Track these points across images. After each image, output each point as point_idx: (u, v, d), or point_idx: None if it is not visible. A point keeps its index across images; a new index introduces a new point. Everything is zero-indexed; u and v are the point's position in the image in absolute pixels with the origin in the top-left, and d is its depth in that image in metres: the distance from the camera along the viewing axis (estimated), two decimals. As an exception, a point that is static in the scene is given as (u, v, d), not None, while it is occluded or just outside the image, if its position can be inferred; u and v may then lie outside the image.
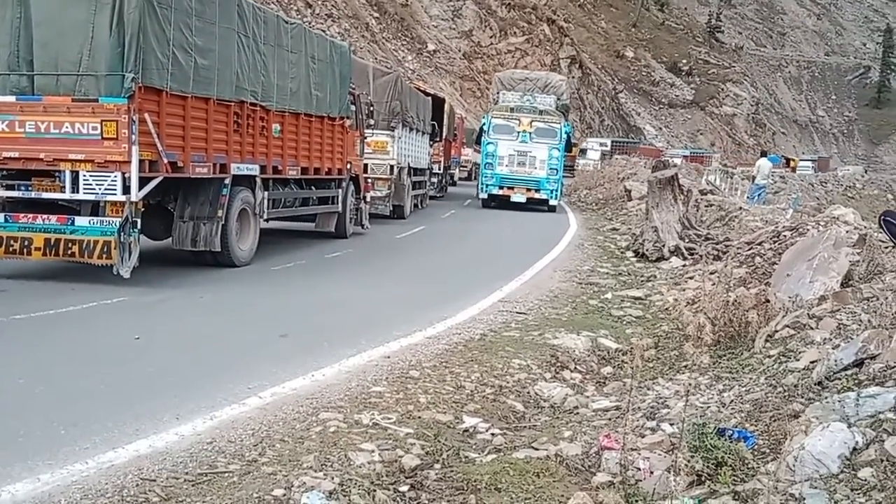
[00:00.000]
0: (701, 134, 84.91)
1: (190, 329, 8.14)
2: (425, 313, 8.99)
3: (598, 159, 49.68)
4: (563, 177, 28.88)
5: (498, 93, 28.15)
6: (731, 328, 6.94)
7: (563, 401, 6.26)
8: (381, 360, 6.96)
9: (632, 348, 7.68)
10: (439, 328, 8.36)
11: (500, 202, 26.14)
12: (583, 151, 52.00)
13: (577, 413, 5.98)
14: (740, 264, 10.28)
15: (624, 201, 25.96)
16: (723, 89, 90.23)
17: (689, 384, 4.51)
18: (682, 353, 6.97)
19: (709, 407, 5.33)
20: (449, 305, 9.53)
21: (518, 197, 25.84)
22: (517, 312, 9.40)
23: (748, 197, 25.98)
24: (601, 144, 56.59)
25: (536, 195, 25.89)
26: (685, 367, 6.64)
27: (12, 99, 9.39)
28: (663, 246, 14.14)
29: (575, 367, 7.32)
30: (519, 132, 25.85)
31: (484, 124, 26.81)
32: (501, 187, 26.02)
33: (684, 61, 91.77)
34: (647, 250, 14.38)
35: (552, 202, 26.03)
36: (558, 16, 70.99)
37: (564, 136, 26.40)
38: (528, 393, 6.44)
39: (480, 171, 27.02)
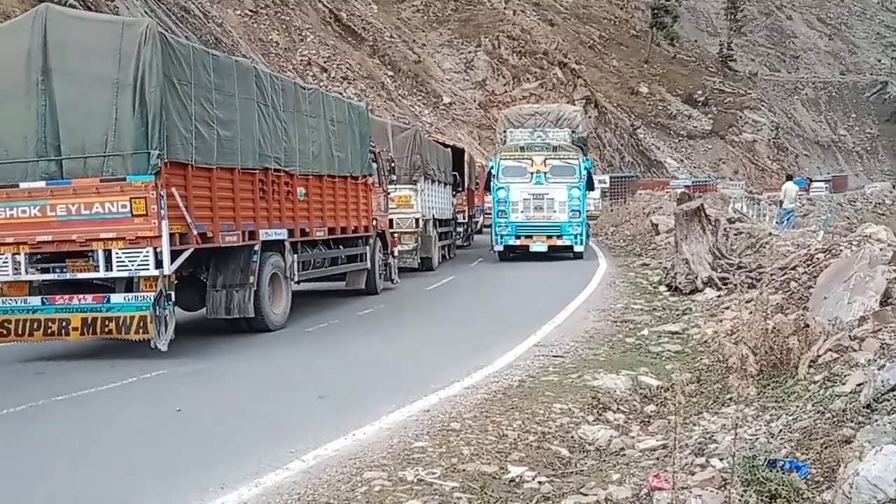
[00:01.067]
0: (723, 163, 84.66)
1: (229, 397, 8.17)
2: (462, 363, 8.96)
3: (599, 198, 48.38)
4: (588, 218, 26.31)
5: (505, 131, 25.03)
6: (773, 356, 6.84)
7: (609, 443, 6.18)
8: (421, 414, 6.93)
9: (673, 384, 7.58)
10: (477, 377, 8.31)
11: (517, 253, 23.56)
12: None
13: (624, 454, 5.90)
14: (776, 291, 10.17)
15: (652, 236, 25.83)
16: (741, 117, 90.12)
17: (736, 417, 4.44)
18: (726, 385, 6.88)
19: (757, 438, 5.24)
20: (485, 353, 9.50)
21: (538, 246, 23.16)
22: (554, 356, 9.33)
23: (777, 222, 25.77)
24: (599, 182, 55.00)
25: (559, 242, 23.16)
26: (730, 399, 6.53)
27: (42, 184, 9.61)
28: (696, 278, 14.02)
29: (617, 408, 7.23)
30: (532, 173, 22.99)
31: (492, 168, 23.85)
32: (518, 236, 23.23)
33: (699, 92, 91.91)
34: (679, 283, 14.27)
35: (578, 248, 23.19)
36: (569, 59, 71.60)
37: (584, 172, 23.32)
38: (573, 437, 6.36)
39: (493, 221, 23.88)
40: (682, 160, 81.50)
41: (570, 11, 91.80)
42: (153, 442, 6.56)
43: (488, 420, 6.62)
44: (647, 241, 25.77)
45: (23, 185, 9.64)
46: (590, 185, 24.28)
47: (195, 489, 5.25)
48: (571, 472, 5.61)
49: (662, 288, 15.08)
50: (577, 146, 24.08)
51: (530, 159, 23.08)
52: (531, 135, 23.96)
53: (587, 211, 25.35)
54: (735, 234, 18.68)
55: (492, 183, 23.54)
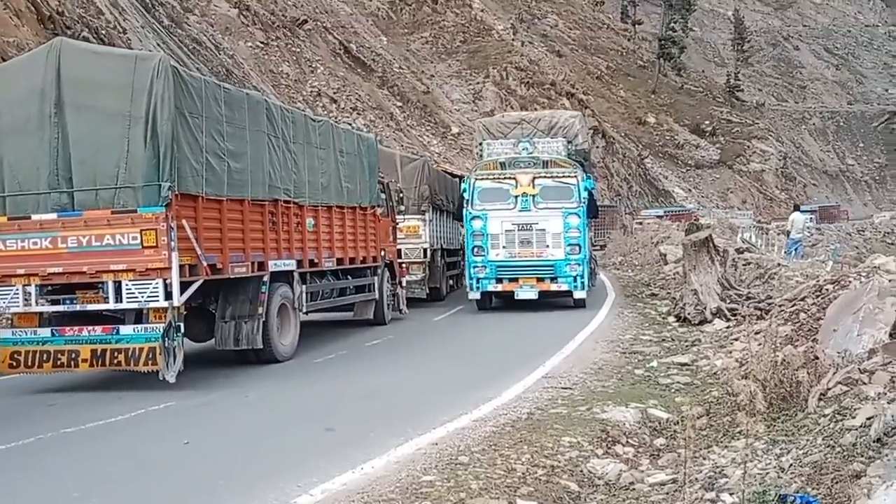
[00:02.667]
0: (731, 192, 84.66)
1: (237, 429, 8.16)
2: (470, 395, 8.93)
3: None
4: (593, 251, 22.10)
5: (482, 143, 19.53)
6: (783, 389, 6.82)
7: (618, 477, 6.15)
8: (429, 447, 6.90)
9: (683, 417, 7.55)
10: (485, 410, 8.28)
11: (501, 301, 18.77)
12: None
13: (634, 489, 5.87)
14: (785, 322, 10.14)
15: (660, 265, 25.78)
16: (748, 146, 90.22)
17: (746, 452, 4.42)
18: (735, 419, 6.85)
19: (768, 473, 5.21)
20: (493, 385, 9.47)
21: (526, 292, 17.98)
22: (562, 388, 9.30)
23: (785, 252, 25.70)
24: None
25: (553, 286, 17.92)
26: (740, 433, 6.50)
27: (54, 216, 9.68)
28: (705, 308, 13.99)
29: (627, 441, 7.20)
30: (517, 196, 17.85)
31: (464, 191, 18.35)
32: (500, 280, 17.95)
33: (707, 122, 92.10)
34: (688, 314, 14.24)
35: (578, 294, 17.96)
36: (577, 89, 71.97)
37: (585, 194, 18.06)
38: (582, 471, 6.33)
39: (467, 260, 18.45)
40: (690, 189, 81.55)
41: (578, 43, 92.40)
42: (160, 475, 6.56)
43: (497, 453, 6.59)
44: (655, 271, 25.71)
45: (34, 217, 9.72)
46: (592, 211, 18.94)
47: (203, 523, 5.24)
48: (580, 507, 5.58)
49: (671, 319, 15.04)
50: (575, 161, 18.95)
51: (514, 179, 17.97)
52: (514, 147, 18.69)
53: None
54: (744, 265, 18.64)
55: (464, 210, 18.32)
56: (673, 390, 9.22)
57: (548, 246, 17.88)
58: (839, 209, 74.86)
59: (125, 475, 6.59)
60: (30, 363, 9.90)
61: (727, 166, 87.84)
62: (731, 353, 10.47)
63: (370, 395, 9.54)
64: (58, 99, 9.57)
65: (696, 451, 6.28)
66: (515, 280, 18.07)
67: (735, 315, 13.34)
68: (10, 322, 10.56)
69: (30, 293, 9.88)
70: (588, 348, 12.36)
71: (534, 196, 17.93)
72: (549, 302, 18.52)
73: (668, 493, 5.52)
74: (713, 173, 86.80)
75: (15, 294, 9.86)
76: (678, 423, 7.50)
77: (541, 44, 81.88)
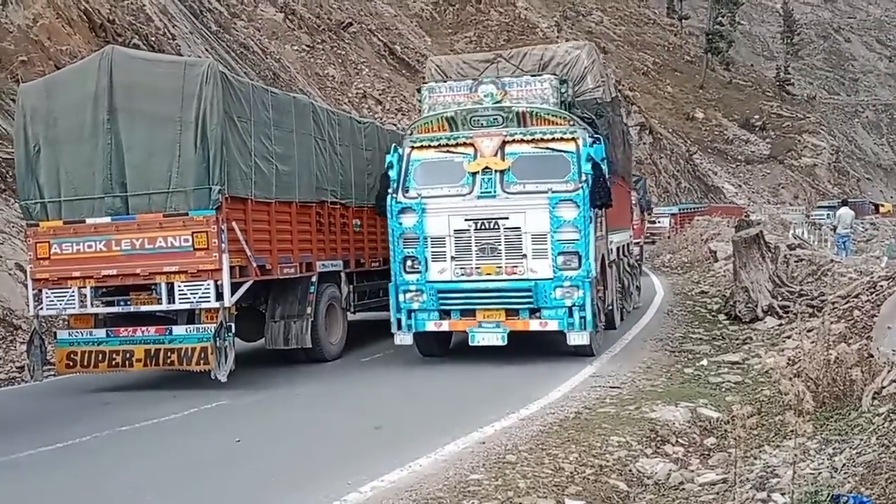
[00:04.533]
0: (783, 187, 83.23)
1: (288, 427, 8.27)
2: (517, 394, 8.93)
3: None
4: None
5: (421, 89, 12.37)
6: (836, 388, 6.70)
7: (668, 477, 6.10)
8: (477, 446, 6.92)
9: (734, 417, 7.46)
10: (532, 409, 8.28)
11: (442, 342, 12.12)
12: None
13: (683, 489, 5.82)
14: (838, 319, 9.94)
15: (710, 263, 25.44)
16: (800, 141, 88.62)
17: (796, 451, 4.36)
18: (786, 419, 6.76)
19: (820, 473, 5.13)
20: (540, 384, 9.46)
21: (486, 333, 10.96)
22: (611, 387, 9.25)
23: (837, 248, 25.16)
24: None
25: (533, 323, 10.95)
26: (791, 432, 6.41)
27: (108, 220, 9.90)
28: (756, 306, 13.80)
29: (676, 441, 7.14)
30: (475, 174, 11.04)
31: (389, 165, 11.42)
32: (445, 313, 11.15)
33: (756, 117, 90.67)
34: (739, 312, 14.05)
35: (577, 337, 10.83)
36: (623, 85, 71.35)
37: (589, 168, 10.84)
38: (630, 471, 6.30)
39: (392, 280, 11.38)
40: (739, 185, 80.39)
41: (623, 39, 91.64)
42: (212, 473, 6.69)
43: (544, 453, 6.58)
44: (705, 269, 25.38)
45: (89, 221, 9.95)
46: (601, 196, 10.94)
47: (255, 520, 5.32)
48: (629, 506, 5.55)
49: (722, 316, 14.86)
50: (575, 116, 11.67)
51: (471, 145, 11.08)
52: (471, 91, 11.64)
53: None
54: (796, 261, 18.32)
55: (389, 199, 11.19)
56: (723, 389, 9.12)
57: (524, 256, 10.69)
58: (864, 205, 70.18)
59: (178, 472, 6.73)
60: (86, 363, 10.15)
61: (778, 161, 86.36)
62: (783, 351, 10.31)
63: (417, 394, 9.60)
64: (110, 105, 9.78)
65: (746, 450, 6.21)
66: (470, 314, 10.91)
67: (787, 312, 13.14)
68: (66, 323, 10.88)
69: (85, 295, 10.11)
70: (637, 347, 12.27)
71: (503, 173, 10.85)
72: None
73: (718, 493, 5.47)
74: (763, 168, 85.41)
75: (71, 296, 10.10)
76: (729, 422, 7.41)
77: (586, 39, 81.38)
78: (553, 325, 10.86)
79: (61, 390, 10.64)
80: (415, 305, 11.11)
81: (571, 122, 11.25)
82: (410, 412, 8.65)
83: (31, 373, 10.47)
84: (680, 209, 46.14)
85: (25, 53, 18.67)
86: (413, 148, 11.36)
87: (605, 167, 11.01)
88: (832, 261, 18.11)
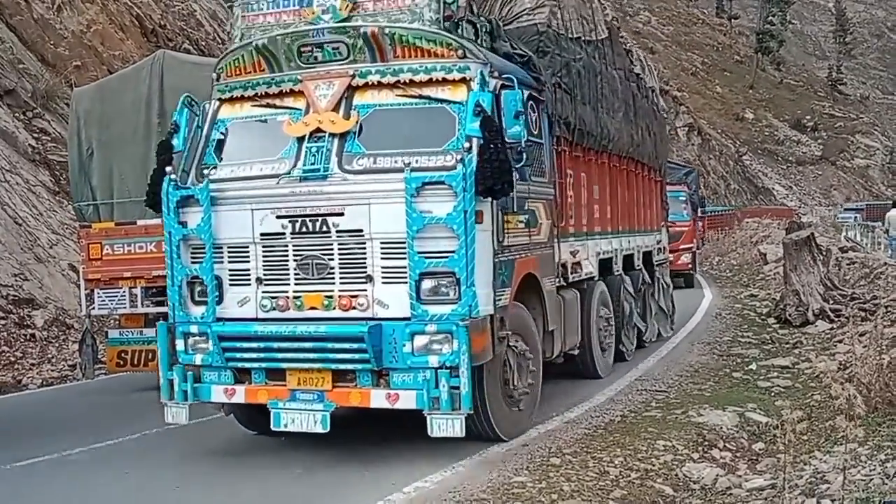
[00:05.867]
0: (835, 189, 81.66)
1: (331, 426, 8.30)
2: (561, 397, 8.88)
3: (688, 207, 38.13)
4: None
5: (241, 9, 7.45)
6: (888, 393, 6.56)
7: (715, 482, 6.02)
8: (520, 448, 6.90)
9: (783, 421, 7.33)
10: (577, 412, 8.24)
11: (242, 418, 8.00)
12: None
13: (731, 494, 5.74)
14: (891, 323, 9.74)
15: (759, 265, 25.05)
16: (852, 142, 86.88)
17: (846, 457, 4.27)
18: (837, 425, 6.63)
19: (872, 479, 5.03)
20: (585, 387, 9.40)
21: (298, 407, 6.64)
22: (657, 390, 9.16)
23: (892, 251, 24.58)
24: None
25: (374, 396, 6.53)
26: (842, 438, 6.28)
27: (158, 221, 10.01)
28: (807, 309, 13.55)
29: (724, 446, 7.04)
30: (300, 139, 6.83)
31: (174, 124, 7.32)
32: (240, 372, 6.88)
33: (808, 117, 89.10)
34: (789, 315, 13.81)
35: (443, 424, 6.30)
36: (671, 86, 70.61)
37: (475, 128, 6.33)
38: (677, 475, 6.23)
39: (170, 313, 7.21)
40: (790, 187, 79.11)
41: (672, 39, 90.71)
42: (256, 472, 6.76)
43: (589, 456, 6.54)
44: (754, 271, 24.98)
45: (140, 223, 10.11)
46: (495, 176, 6.30)
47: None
48: (675, 511, 5.49)
49: (771, 320, 14.61)
50: (472, 44, 6.98)
51: (301, 96, 7.02)
52: (303, 4, 7.04)
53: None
54: (848, 264, 17.96)
55: (165, 182, 7.07)
56: (773, 394, 8.97)
57: (368, 279, 6.52)
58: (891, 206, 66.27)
59: (222, 470, 6.82)
60: (135, 362, 10.33)
61: (830, 162, 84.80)
62: (834, 355, 10.11)
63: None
64: (161, 108, 9.94)
65: (796, 455, 6.10)
66: (278, 374, 6.83)
67: (839, 316, 12.87)
68: (117, 322, 11.10)
69: (136, 295, 10.27)
70: (684, 350, 12.13)
71: (343, 137, 6.79)
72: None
73: (766, 499, 5.38)
74: (815, 170, 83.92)
75: (122, 296, 10.28)
76: (778, 427, 7.27)
77: (633, 41, 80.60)
78: (407, 402, 6.44)
79: (111, 389, 10.86)
80: (196, 359, 6.93)
81: (461, 53, 6.76)
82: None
83: (83, 371, 10.73)
84: (704, 212, 36.25)
85: (79, 58, 19.08)
86: (222, 101, 7.38)
87: (517, 128, 6.51)
88: (885, 264, 17.71)
